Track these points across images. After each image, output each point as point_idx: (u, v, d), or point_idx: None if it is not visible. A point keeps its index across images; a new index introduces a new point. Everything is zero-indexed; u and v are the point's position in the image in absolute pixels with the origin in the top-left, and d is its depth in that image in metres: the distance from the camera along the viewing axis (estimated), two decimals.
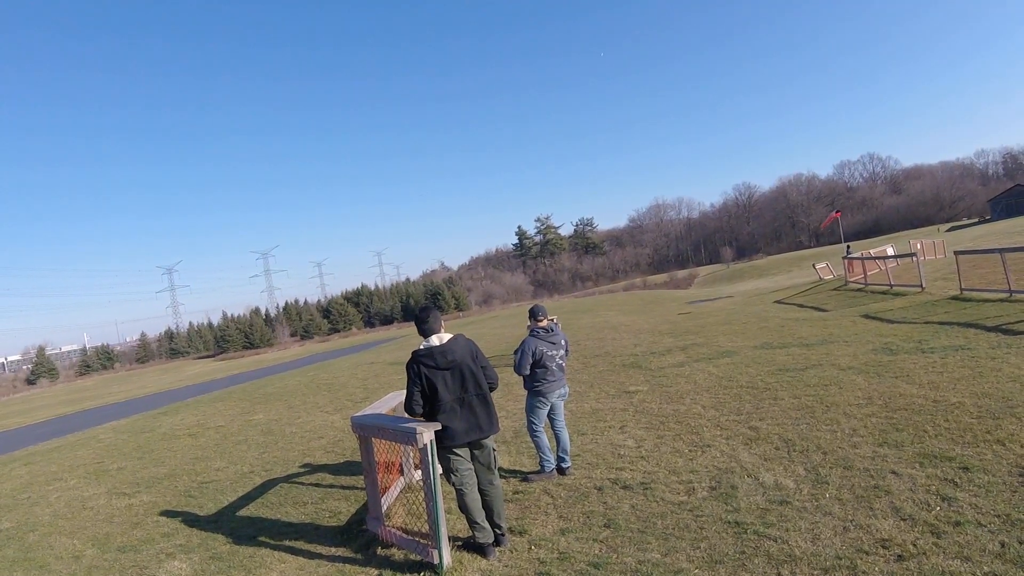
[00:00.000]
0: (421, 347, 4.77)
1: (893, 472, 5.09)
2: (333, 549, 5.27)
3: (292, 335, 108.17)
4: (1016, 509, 4.12)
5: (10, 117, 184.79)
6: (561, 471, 6.29)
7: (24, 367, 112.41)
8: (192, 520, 6.73)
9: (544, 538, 4.82)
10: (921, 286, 17.51)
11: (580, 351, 15.70)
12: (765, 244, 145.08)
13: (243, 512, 6.75)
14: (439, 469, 4.66)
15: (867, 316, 14.68)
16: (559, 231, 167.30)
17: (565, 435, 6.40)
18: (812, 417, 6.97)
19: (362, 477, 5.97)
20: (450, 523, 5.16)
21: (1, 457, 13.94)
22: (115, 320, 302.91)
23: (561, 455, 6.35)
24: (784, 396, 8.10)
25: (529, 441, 6.95)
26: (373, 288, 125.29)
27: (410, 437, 4.62)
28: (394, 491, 6.19)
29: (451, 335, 4.86)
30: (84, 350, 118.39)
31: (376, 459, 5.56)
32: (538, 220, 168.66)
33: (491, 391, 4.91)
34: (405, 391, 4.82)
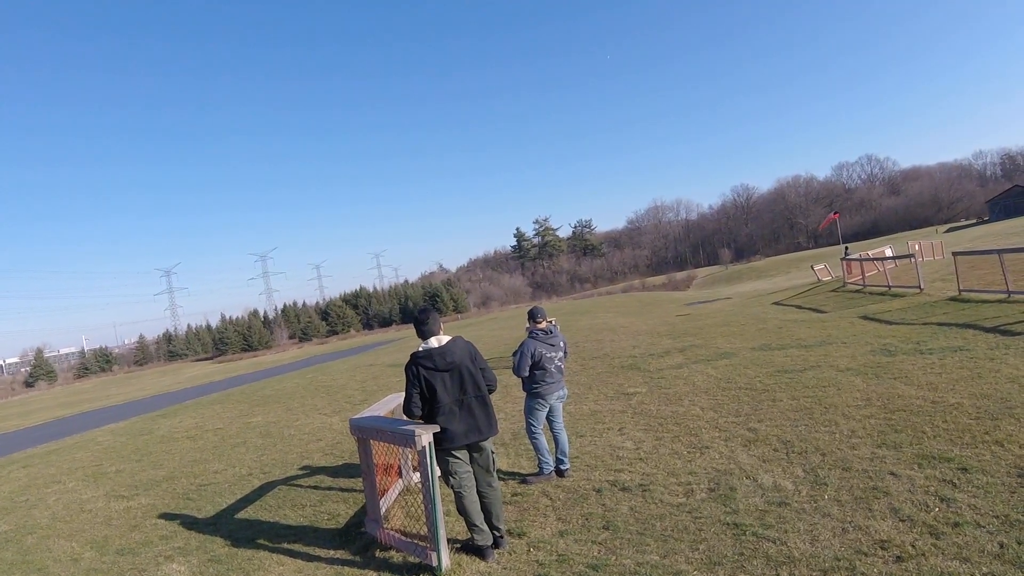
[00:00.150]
0: (420, 349, 4.76)
1: (892, 473, 5.09)
2: (331, 551, 5.26)
3: (290, 337, 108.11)
4: (1015, 510, 4.12)
5: (8, 117, 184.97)
6: (560, 473, 6.29)
7: (22, 369, 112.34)
8: (190, 523, 6.72)
9: (543, 540, 4.82)
10: (919, 287, 17.51)
11: (579, 353, 15.70)
12: (763, 245, 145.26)
13: (241, 514, 6.74)
14: (438, 471, 4.66)
15: (865, 317, 14.69)
16: (557, 233, 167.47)
17: (564, 437, 6.40)
18: (810, 418, 6.98)
19: (360, 479, 5.97)
20: (449, 525, 5.16)
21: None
22: (113, 322, 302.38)
23: (560, 457, 6.34)
24: (783, 397, 8.10)
25: (528, 443, 6.95)
26: (371, 290, 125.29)
27: (409, 439, 4.62)
28: (393, 493, 6.18)
29: (450, 337, 4.86)
30: (82, 352, 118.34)
31: (375, 461, 5.55)
32: (536, 222, 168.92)
33: (490, 393, 4.90)
34: (404, 393, 4.82)
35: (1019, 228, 49.72)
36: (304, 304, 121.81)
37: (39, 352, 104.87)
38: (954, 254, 16.63)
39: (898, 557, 3.78)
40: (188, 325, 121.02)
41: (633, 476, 5.99)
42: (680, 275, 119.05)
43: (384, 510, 5.63)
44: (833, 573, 3.71)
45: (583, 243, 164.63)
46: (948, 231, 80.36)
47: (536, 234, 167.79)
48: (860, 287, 22.30)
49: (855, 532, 4.19)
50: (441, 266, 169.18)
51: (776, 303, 24.37)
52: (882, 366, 8.99)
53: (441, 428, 4.63)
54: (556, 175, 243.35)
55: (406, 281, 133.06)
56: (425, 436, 4.51)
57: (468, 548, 4.79)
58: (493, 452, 4.94)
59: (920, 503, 4.47)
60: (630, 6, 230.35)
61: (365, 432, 5.41)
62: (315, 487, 7.41)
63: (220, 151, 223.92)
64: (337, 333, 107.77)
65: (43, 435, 19.00)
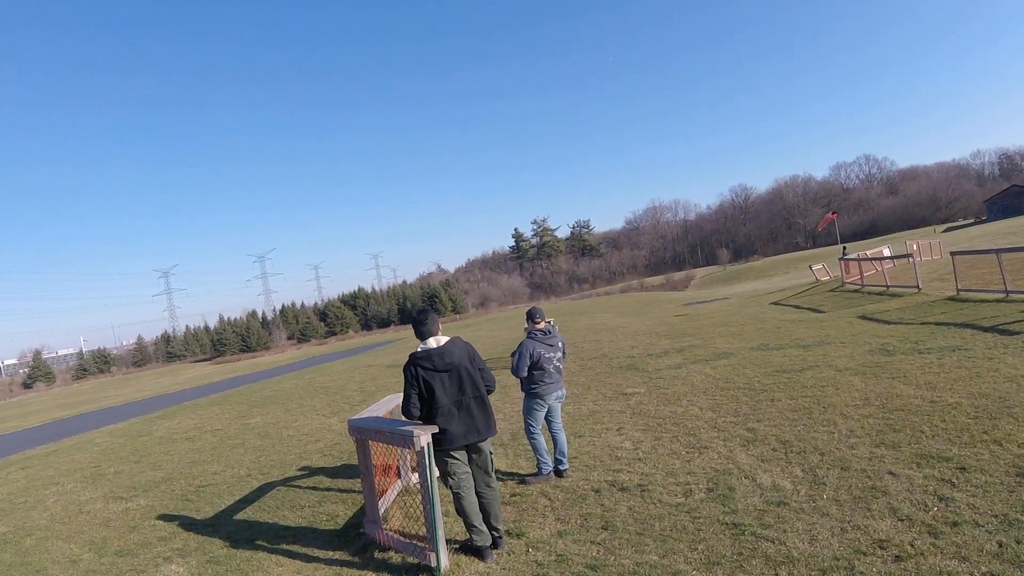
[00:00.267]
0: (418, 349, 4.76)
1: (890, 473, 5.09)
2: (330, 552, 5.26)
3: (289, 338, 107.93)
4: (1013, 509, 4.13)
5: (6, 118, 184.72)
6: (558, 473, 6.29)
7: (20, 371, 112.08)
8: (189, 524, 6.71)
9: (542, 540, 4.81)
10: (918, 287, 17.53)
11: (577, 353, 15.70)
12: (762, 246, 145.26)
13: (240, 516, 6.73)
14: (436, 472, 4.65)
15: (864, 317, 14.71)
16: (556, 233, 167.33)
17: (562, 437, 6.39)
18: (809, 418, 6.98)
19: (359, 480, 5.97)
20: (447, 526, 5.15)
21: None
22: (112, 324, 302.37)
23: (558, 457, 6.34)
24: (781, 397, 8.11)
25: (526, 443, 6.94)
26: (370, 291, 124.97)
27: (407, 440, 4.62)
28: (391, 494, 6.18)
29: (448, 337, 4.86)
30: (80, 354, 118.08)
31: (373, 462, 5.55)
32: (534, 222, 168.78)
33: (488, 394, 4.90)
34: (402, 394, 4.81)
35: (1017, 228, 49.75)
36: (302, 305, 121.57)
37: (37, 353, 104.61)
38: (952, 254, 16.67)
39: (897, 556, 3.78)
40: (186, 326, 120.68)
41: (632, 476, 5.99)
42: (678, 275, 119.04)
43: (383, 511, 5.63)
44: (832, 573, 3.71)
45: (581, 243, 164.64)
46: (946, 231, 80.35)
47: (534, 234, 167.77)
48: (858, 287, 22.33)
49: (854, 532, 4.19)
50: (439, 267, 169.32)
51: (774, 303, 24.39)
52: (880, 366, 9.00)
53: (440, 429, 4.62)
54: (554, 176, 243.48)
55: (404, 282, 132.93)
56: (424, 437, 4.51)
57: (467, 549, 4.79)
58: (491, 453, 4.94)
59: (919, 502, 4.47)
60: (629, 6, 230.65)
61: (364, 433, 5.41)
62: (314, 488, 7.40)
63: (218, 151, 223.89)
64: (335, 334, 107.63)
65: (41, 437, 18.98)
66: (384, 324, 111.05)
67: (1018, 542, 3.71)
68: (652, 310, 33.50)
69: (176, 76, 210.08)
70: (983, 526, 3.98)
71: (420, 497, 4.76)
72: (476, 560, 4.63)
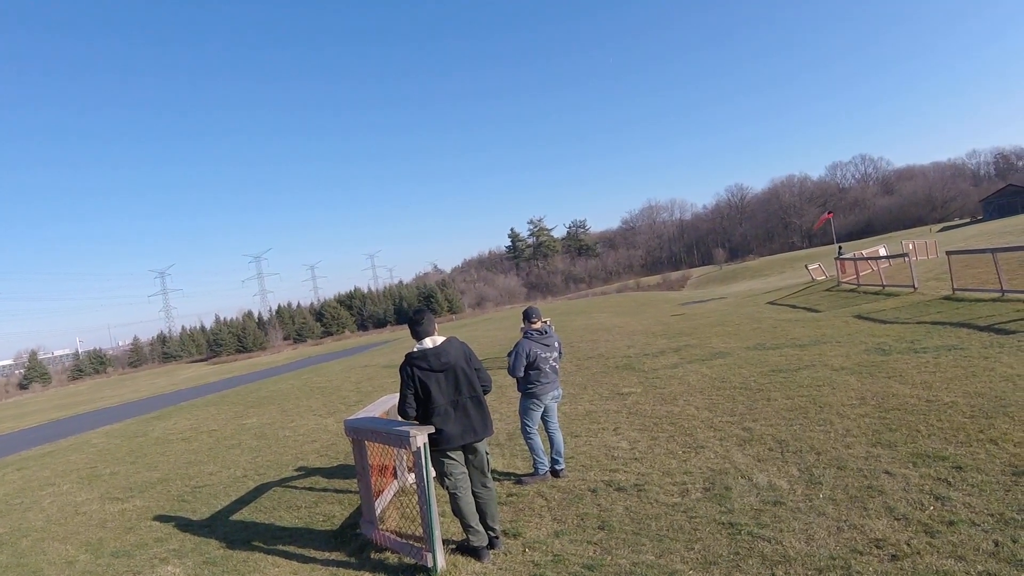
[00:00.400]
0: (414, 349, 4.75)
1: (887, 472, 5.10)
2: (327, 553, 5.25)
3: (285, 338, 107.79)
4: (1010, 508, 4.13)
5: (4, 119, 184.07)
6: (555, 473, 6.28)
7: (16, 371, 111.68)
8: (185, 525, 6.69)
9: (538, 540, 4.81)
10: (913, 286, 17.57)
11: (573, 353, 15.70)
12: (758, 245, 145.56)
13: (236, 516, 6.72)
14: (433, 472, 4.65)
15: (860, 316, 14.74)
16: (552, 233, 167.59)
17: (559, 437, 6.39)
18: (805, 418, 6.99)
19: (356, 481, 5.96)
20: (444, 526, 5.14)
21: None
22: (108, 324, 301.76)
23: (555, 457, 6.33)
24: (777, 397, 8.12)
25: (523, 443, 6.93)
26: (366, 291, 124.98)
27: (404, 440, 4.61)
28: (388, 495, 6.16)
29: (444, 337, 4.85)
30: (77, 354, 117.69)
31: (370, 462, 5.54)
32: (531, 222, 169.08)
33: (484, 394, 4.90)
34: (398, 394, 4.80)
35: (1013, 227, 49.93)
36: (299, 305, 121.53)
37: (33, 354, 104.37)
38: (948, 253, 16.71)
39: (893, 556, 3.78)
40: (182, 327, 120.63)
41: (628, 476, 5.99)
42: (675, 275, 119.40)
43: (379, 511, 5.61)
44: (828, 572, 3.71)
45: (578, 243, 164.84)
46: (942, 230, 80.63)
47: (531, 234, 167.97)
48: (854, 286, 22.38)
49: (850, 531, 4.19)
50: (436, 267, 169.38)
51: (771, 303, 24.44)
52: (876, 365, 9.02)
53: (436, 429, 4.61)
54: (551, 176, 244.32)
55: (401, 282, 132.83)
56: (420, 437, 4.50)
57: (463, 549, 4.78)
58: (488, 453, 4.93)
59: (915, 502, 4.48)
60: (628, 6, 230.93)
61: (360, 433, 5.39)
62: (310, 488, 7.39)
63: (215, 152, 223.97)
64: (332, 334, 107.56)
65: (37, 437, 18.93)
66: (380, 324, 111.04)
67: (1014, 541, 3.71)
68: (648, 310, 33.52)
69: (173, 77, 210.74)
70: (979, 525, 3.99)
71: (416, 497, 4.75)
72: (473, 560, 4.62)
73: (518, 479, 6.32)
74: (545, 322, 6.53)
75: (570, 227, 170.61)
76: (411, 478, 6.52)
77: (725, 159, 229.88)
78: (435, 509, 4.51)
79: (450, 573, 4.47)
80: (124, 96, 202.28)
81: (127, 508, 7.76)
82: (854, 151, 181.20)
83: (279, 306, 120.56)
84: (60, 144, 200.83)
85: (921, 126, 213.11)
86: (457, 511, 4.72)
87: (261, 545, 5.68)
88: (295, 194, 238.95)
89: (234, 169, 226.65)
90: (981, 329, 10.46)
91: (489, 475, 4.89)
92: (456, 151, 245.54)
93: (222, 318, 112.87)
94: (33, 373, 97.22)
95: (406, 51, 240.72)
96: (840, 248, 35.15)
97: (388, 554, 4.97)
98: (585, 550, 4.52)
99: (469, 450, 4.79)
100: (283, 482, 7.84)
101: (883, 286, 19.80)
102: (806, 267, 39.22)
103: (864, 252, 28.60)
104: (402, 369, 4.72)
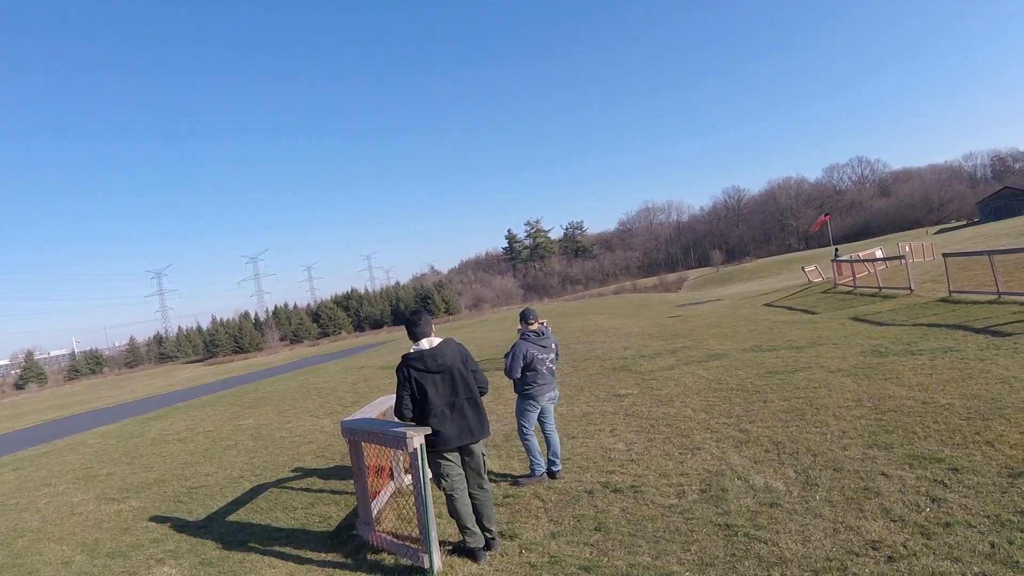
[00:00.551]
0: (411, 351, 4.75)
1: (883, 474, 5.11)
2: (323, 554, 5.24)
3: (282, 339, 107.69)
4: (1005, 510, 4.14)
5: (2, 119, 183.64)
6: (551, 475, 6.28)
7: (12, 372, 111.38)
8: (181, 525, 6.67)
9: (534, 542, 4.81)
10: (910, 288, 17.62)
11: (570, 354, 15.70)
12: (754, 247, 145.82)
13: (233, 517, 6.70)
14: (429, 473, 4.64)
15: (856, 319, 14.77)
16: (549, 235, 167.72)
17: (555, 438, 6.39)
18: (802, 419, 6.99)
19: (352, 482, 5.95)
20: (440, 527, 5.13)
21: None
22: (104, 325, 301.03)
23: (551, 458, 6.33)
24: (774, 399, 8.12)
25: (519, 445, 6.93)
26: (363, 292, 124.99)
27: (400, 441, 4.60)
28: (384, 496, 6.15)
29: (441, 339, 4.84)
30: (73, 355, 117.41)
31: (366, 464, 5.53)
32: (528, 224, 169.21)
33: (481, 395, 4.89)
34: (395, 395, 4.80)
35: (1009, 230, 50.09)
36: (295, 306, 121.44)
37: (29, 354, 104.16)
38: (944, 255, 16.76)
39: (889, 557, 3.79)
40: (179, 327, 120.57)
41: (625, 477, 5.99)
42: (671, 277, 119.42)
43: (376, 512, 5.60)
44: (825, 574, 3.71)
45: (574, 245, 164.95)
46: (938, 232, 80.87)
47: (527, 236, 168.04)
48: (851, 288, 22.43)
49: (846, 532, 4.19)
50: (432, 268, 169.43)
51: (767, 304, 24.47)
52: (873, 367, 9.03)
53: (433, 430, 4.61)
54: (548, 177, 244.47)
55: (397, 283, 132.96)
56: (417, 438, 4.49)
57: (460, 550, 4.78)
58: (484, 454, 4.93)
59: (911, 503, 4.48)
60: (627, 7, 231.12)
61: (357, 434, 5.39)
62: (306, 489, 7.37)
63: (212, 152, 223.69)
64: (328, 335, 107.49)
65: (33, 438, 18.86)
66: (377, 325, 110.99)
67: (1010, 543, 3.72)
68: (645, 311, 33.55)
69: (170, 77, 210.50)
70: (975, 527, 3.99)
71: (413, 499, 4.75)
72: (469, 562, 4.61)
73: (515, 480, 6.31)
74: (542, 323, 6.54)
75: (567, 229, 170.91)
76: (407, 479, 6.51)
77: (722, 160, 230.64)
78: (431, 510, 4.50)
79: (446, 574, 4.46)
80: (121, 97, 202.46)
81: (123, 509, 7.74)
82: (851, 153, 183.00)
83: (276, 307, 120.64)
84: (58, 144, 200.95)
85: (919, 127, 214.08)
86: (453, 512, 4.71)
87: (257, 546, 5.67)
88: (292, 195, 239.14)
89: (231, 170, 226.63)
90: (977, 331, 10.48)
91: (485, 476, 4.89)
92: (454, 152, 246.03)
93: (219, 319, 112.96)
94: (29, 373, 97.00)
95: (406, 51, 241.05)
96: (837, 250, 35.27)
97: (384, 555, 4.96)
98: (581, 551, 4.51)
99: (466, 451, 4.78)
100: (279, 483, 7.82)
101: (879, 288, 19.84)
102: (803, 269, 39.24)
103: (861, 254, 28.69)
104: (399, 370, 4.71)
